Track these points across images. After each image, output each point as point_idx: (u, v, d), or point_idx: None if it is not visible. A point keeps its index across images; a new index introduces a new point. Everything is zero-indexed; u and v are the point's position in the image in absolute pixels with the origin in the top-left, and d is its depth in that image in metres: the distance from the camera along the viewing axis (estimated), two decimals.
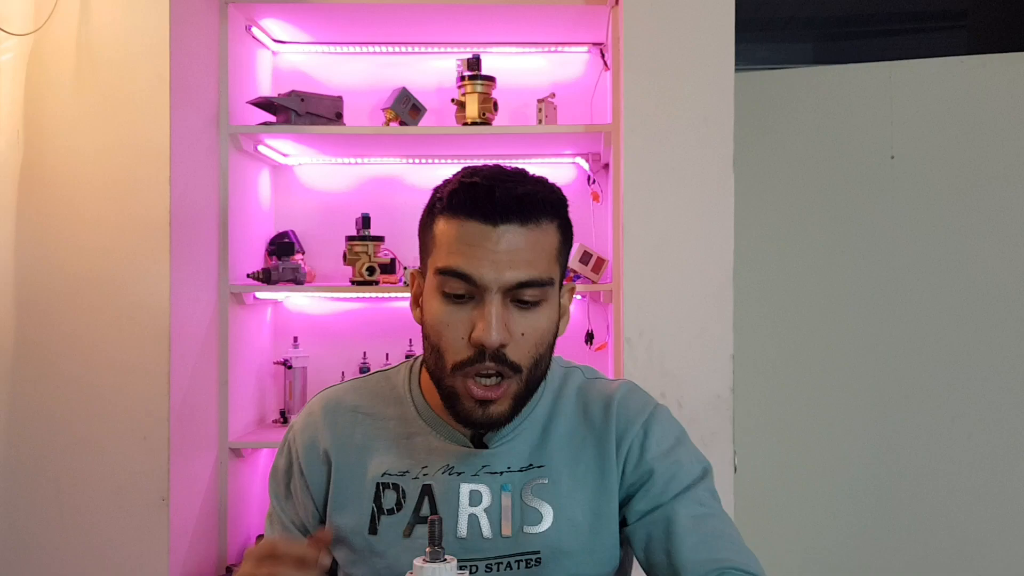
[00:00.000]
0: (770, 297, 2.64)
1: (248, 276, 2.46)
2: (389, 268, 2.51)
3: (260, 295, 2.54)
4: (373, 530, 1.09)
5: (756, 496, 2.35)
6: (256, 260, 2.58)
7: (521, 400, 1.05)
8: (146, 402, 2.07)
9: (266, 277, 2.44)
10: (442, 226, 1.03)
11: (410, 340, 2.64)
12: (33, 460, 2.09)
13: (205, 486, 2.29)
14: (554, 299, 1.06)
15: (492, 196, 1.00)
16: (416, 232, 1.09)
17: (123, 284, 2.09)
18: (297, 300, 2.74)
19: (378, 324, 2.72)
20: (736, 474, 2.10)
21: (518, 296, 1.02)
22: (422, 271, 1.09)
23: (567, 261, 1.10)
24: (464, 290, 1.01)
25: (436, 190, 1.07)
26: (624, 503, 1.11)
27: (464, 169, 1.07)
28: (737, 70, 2.11)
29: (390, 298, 2.67)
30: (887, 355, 2.61)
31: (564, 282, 1.11)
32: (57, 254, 2.11)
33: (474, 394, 1.02)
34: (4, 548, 2.09)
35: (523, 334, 1.02)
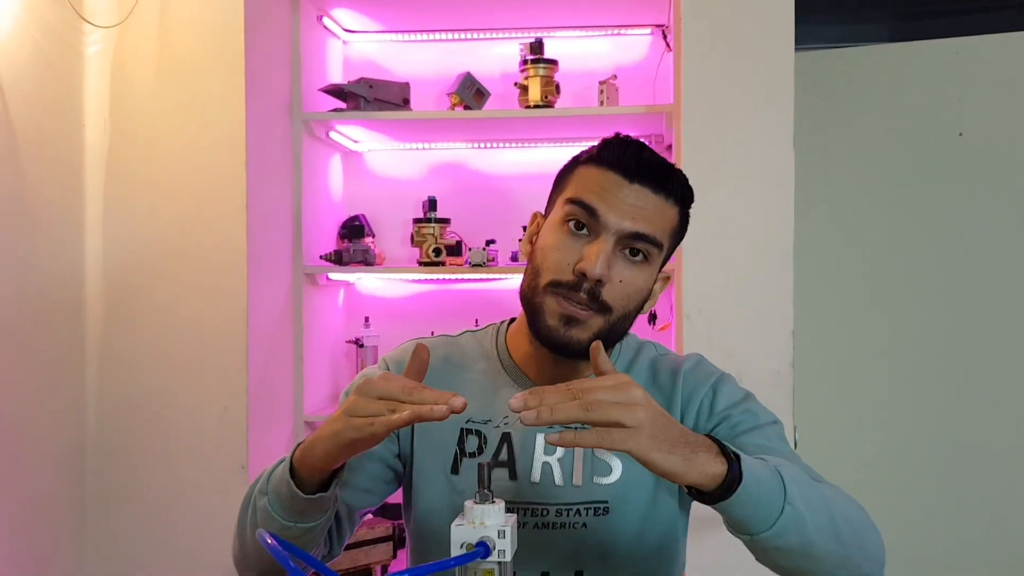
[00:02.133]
0: (832, 274, 2.63)
1: (321, 258, 2.57)
2: (455, 250, 2.58)
3: (332, 276, 2.64)
4: (455, 470, 1.17)
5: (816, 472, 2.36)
6: (328, 242, 2.68)
7: (597, 337, 1.08)
8: (226, 376, 2.18)
9: (338, 258, 2.54)
10: (584, 170, 1.12)
11: (475, 320, 2.71)
12: (123, 429, 2.23)
13: (281, 455, 2.40)
14: (655, 269, 1.13)
15: (639, 156, 1.10)
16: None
17: (203, 264, 2.21)
18: (368, 282, 2.83)
19: (444, 305, 2.80)
20: (796, 449, 2.12)
21: (629, 245, 1.08)
22: (546, 212, 1.17)
23: (674, 249, 1.17)
24: (586, 221, 1.08)
25: (582, 152, 1.15)
26: None
27: (618, 132, 1.16)
28: (807, 49, 2.11)
29: (456, 279, 2.74)
30: (951, 333, 2.59)
31: (663, 268, 1.17)
32: (142, 235, 2.24)
33: (565, 310, 1.08)
34: (97, 510, 2.23)
35: (621, 281, 1.09)
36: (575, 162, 1.15)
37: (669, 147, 2.61)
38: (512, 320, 1.25)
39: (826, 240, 2.62)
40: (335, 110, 2.51)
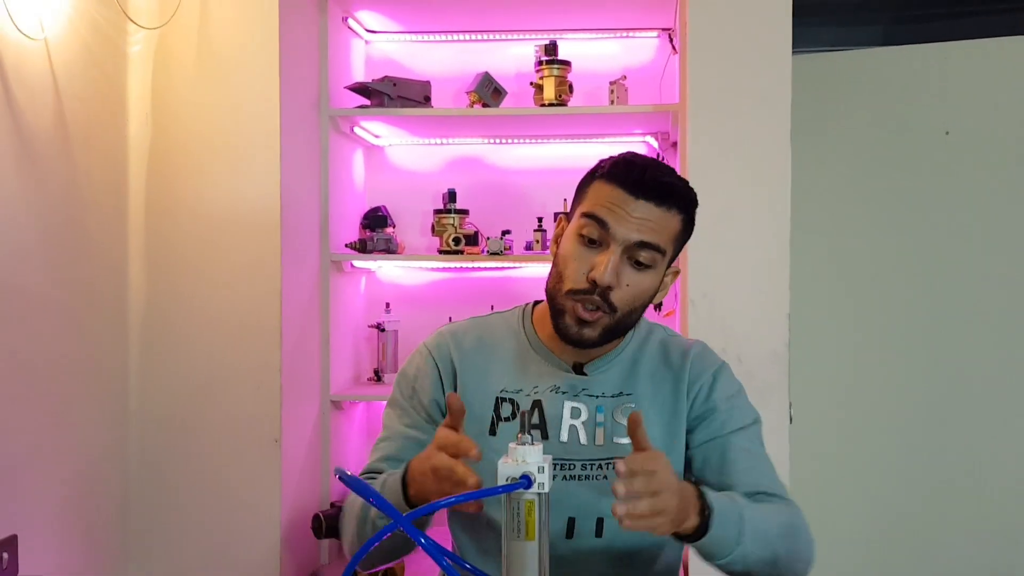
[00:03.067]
0: (826, 263, 2.77)
1: (346, 246, 2.72)
2: (473, 240, 2.73)
3: (357, 263, 2.79)
4: (492, 432, 1.35)
5: (810, 445, 2.50)
6: (352, 232, 2.84)
7: (608, 334, 1.30)
8: (260, 354, 2.34)
9: (362, 247, 2.70)
10: (597, 185, 1.30)
11: (491, 306, 2.85)
12: (164, 405, 2.38)
13: (310, 431, 2.56)
14: (660, 270, 1.31)
15: (643, 175, 1.27)
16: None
17: (240, 251, 2.35)
18: (389, 270, 2.98)
19: (462, 292, 2.95)
20: (791, 424, 2.27)
21: (635, 255, 1.27)
22: (568, 216, 1.35)
23: (681, 248, 1.35)
24: (597, 235, 1.27)
25: (601, 162, 1.32)
26: (689, 431, 1.37)
27: (629, 152, 1.34)
28: (802, 52, 2.24)
29: (473, 268, 2.89)
30: (939, 319, 2.72)
31: (672, 264, 1.35)
32: (182, 223, 2.38)
33: (578, 313, 1.28)
34: (141, 481, 2.38)
35: (627, 285, 1.28)
36: (592, 175, 1.32)
37: (675, 144, 2.76)
38: (536, 303, 1.44)
39: (821, 231, 2.76)
40: (360, 107, 2.66)
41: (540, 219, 2.76)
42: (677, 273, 1.38)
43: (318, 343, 2.63)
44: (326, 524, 2.38)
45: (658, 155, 2.87)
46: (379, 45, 2.98)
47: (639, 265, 1.28)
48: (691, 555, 2.26)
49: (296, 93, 2.47)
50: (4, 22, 1.88)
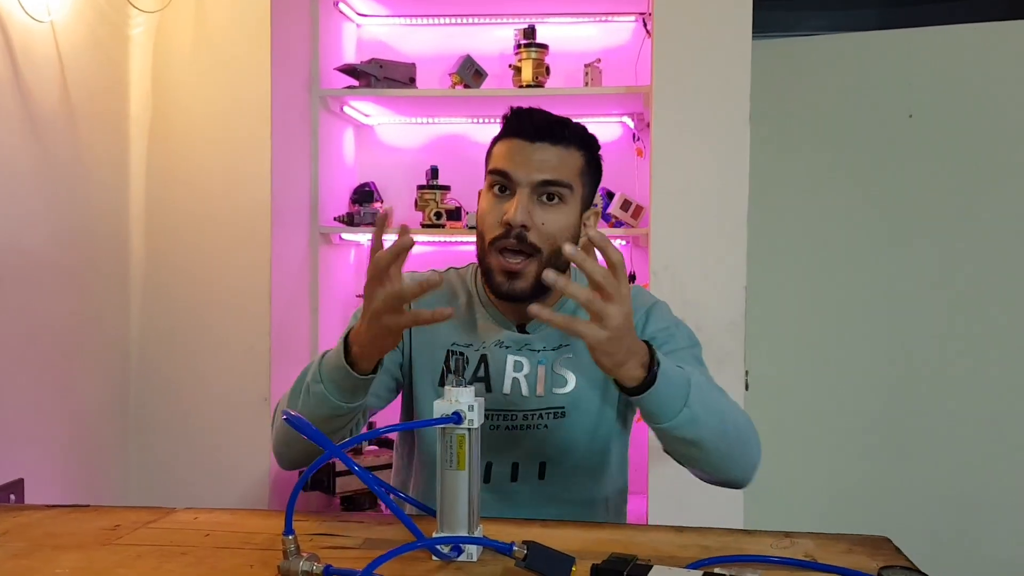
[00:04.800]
0: (784, 238, 2.91)
1: (335, 219, 2.87)
2: (455, 214, 2.87)
3: (345, 236, 2.95)
4: (441, 383, 1.46)
5: (766, 411, 2.64)
6: (341, 206, 2.99)
7: (540, 282, 1.27)
8: (251, 317, 2.50)
9: (349, 220, 2.85)
10: (498, 146, 1.41)
11: None
12: (161, 360, 2.55)
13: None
14: (574, 207, 1.39)
15: (532, 119, 1.39)
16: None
17: (233, 221, 2.51)
18: None
19: (446, 264, 3.07)
20: (748, 392, 2.42)
21: (543, 192, 1.36)
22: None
23: (593, 187, 1.44)
24: (506, 183, 1.37)
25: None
26: None
27: (516, 106, 1.44)
28: (791, 35, 2.33)
29: (456, 241, 3.04)
30: (896, 300, 2.86)
31: (592, 206, 1.45)
32: (179, 195, 2.54)
33: (504, 266, 1.36)
34: (139, 430, 2.56)
35: (543, 224, 1.36)
36: (492, 142, 1.43)
37: (648, 124, 2.89)
38: None
39: (781, 208, 2.89)
40: (349, 87, 2.81)
41: None
42: (598, 214, 1.47)
43: (307, 310, 2.79)
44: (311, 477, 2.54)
45: (634, 136, 3.01)
46: (370, 28, 3.12)
47: (549, 201, 1.35)
48: (651, 502, 2.42)
49: (288, 74, 2.61)
50: (12, 6, 2.03)
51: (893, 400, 2.86)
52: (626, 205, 2.77)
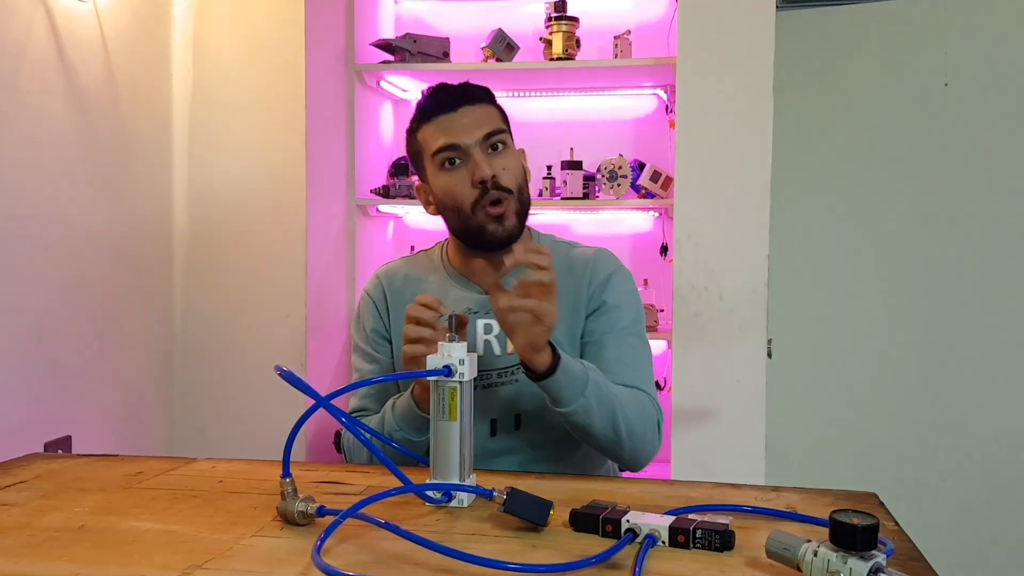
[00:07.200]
0: (811, 209, 2.89)
1: (371, 192, 2.95)
2: None
3: (382, 208, 3.02)
4: None
5: (787, 378, 2.66)
6: (379, 179, 3.07)
7: (521, 217, 1.49)
8: (288, 284, 2.60)
9: (385, 192, 2.92)
10: (423, 132, 1.50)
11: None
12: (204, 329, 2.66)
13: (336, 359, 2.82)
14: (512, 147, 1.52)
15: (446, 93, 1.50)
16: None
17: (270, 194, 2.61)
18: (415, 216, 3.21)
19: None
20: (770, 359, 2.44)
21: (488, 145, 1.47)
22: (423, 180, 1.55)
23: (510, 130, 1.54)
24: (455, 155, 1.46)
25: (411, 123, 1.53)
26: (585, 320, 1.55)
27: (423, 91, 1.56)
28: (819, 5, 2.32)
29: None
30: (923, 262, 2.82)
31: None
32: (219, 167, 2.64)
33: (490, 214, 1.46)
34: (183, 396, 2.68)
35: (504, 169, 1.48)
36: (412, 134, 1.52)
37: None
38: (447, 241, 1.64)
39: (806, 179, 2.88)
40: (383, 62, 2.88)
41: (549, 167, 2.94)
42: (523, 152, 1.57)
43: (344, 280, 2.88)
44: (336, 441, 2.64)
45: (667, 107, 3.02)
46: (407, 5, 3.18)
47: (495, 151, 1.47)
48: (674, 469, 2.45)
49: (323, 48, 2.69)
50: None
51: (917, 368, 2.83)
52: (656, 176, 2.80)
